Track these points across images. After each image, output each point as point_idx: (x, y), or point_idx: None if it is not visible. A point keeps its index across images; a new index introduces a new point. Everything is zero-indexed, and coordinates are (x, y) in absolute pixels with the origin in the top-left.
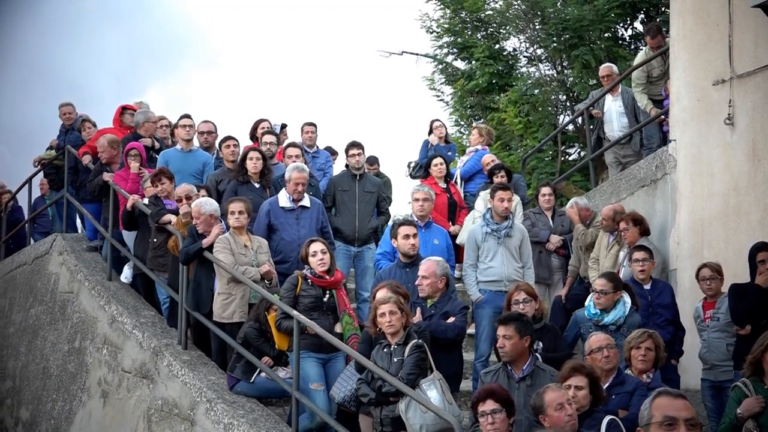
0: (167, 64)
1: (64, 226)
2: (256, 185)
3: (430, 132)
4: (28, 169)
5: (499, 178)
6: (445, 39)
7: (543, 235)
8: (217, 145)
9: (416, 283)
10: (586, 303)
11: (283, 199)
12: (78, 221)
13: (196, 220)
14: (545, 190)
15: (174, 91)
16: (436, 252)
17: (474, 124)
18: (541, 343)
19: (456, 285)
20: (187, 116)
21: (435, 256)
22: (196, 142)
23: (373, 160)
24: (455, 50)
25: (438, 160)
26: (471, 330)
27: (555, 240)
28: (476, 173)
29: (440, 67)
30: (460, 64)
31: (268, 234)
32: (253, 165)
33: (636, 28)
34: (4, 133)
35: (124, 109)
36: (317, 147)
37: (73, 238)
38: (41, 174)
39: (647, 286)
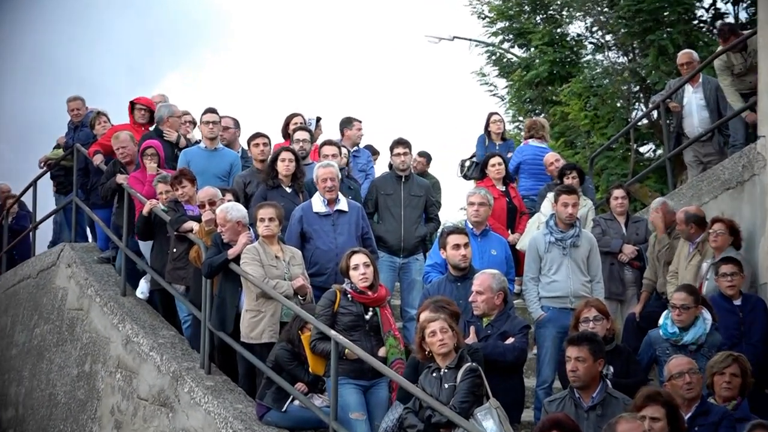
0: (183, 51)
1: (72, 234)
2: (288, 189)
3: (487, 127)
4: (32, 170)
5: (570, 180)
6: (500, 24)
7: (615, 245)
8: (242, 143)
9: (470, 299)
10: (661, 321)
11: (317, 203)
12: (88, 229)
13: (221, 228)
14: (618, 192)
15: (191, 81)
16: (492, 264)
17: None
18: (612, 368)
19: (515, 301)
20: (212, 110)
21: (491, 269)
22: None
23: (424, 155)
24: (511, 37)
25: (496, 160)
26: (532, 353)
27: (628, 250)
28: (517, 171)
29: (493, 58)
30: (517, 52)
31: (301, 243)
32: (285, 167)
33: (719, 9)
34: (5, 130)
35: (133, 105)
36: (358, 145)
37: (82, 249)
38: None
39: (737, 302)
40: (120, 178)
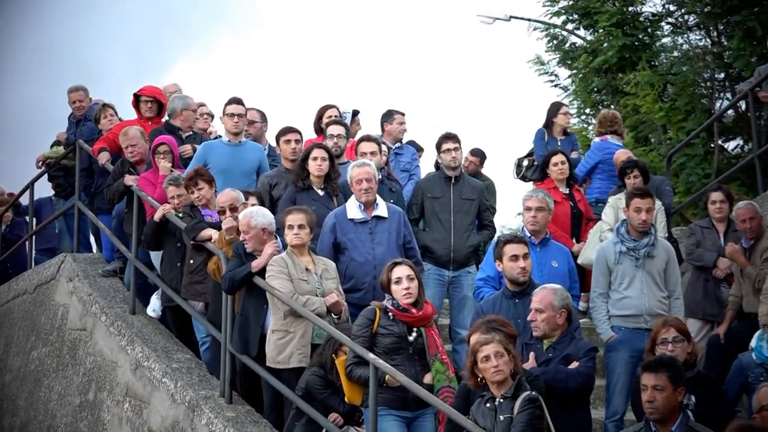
0: (196, 34)
1: (74, 243)
2: (320, 192)
3: (552, 119)
4: (29, 170)
5: (632, 180)
6: (563, 3)
7: (708, 259)
8: (267, 138)
9: (528, 318)
10: (754, 343)
11: (353, 208)
12: (92, 237)
13: (245, 236)
14: (716, 196)
15: (205, 68)
16: (554, 278)
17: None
18: (693, 397)
19: (581, 321)
20: (237, 101)
21: (552, 284)
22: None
23: (477, 153)
24: (575, 17)
25: (558, 158)
26: (600, 380)
27: (724, 265)
28: (593, 172)
29: (554, 42)
30: (583, 35)
31: (334, 254)
32: (318, 167)
33: None
34: None
35: (137, 98)
36: (401, 142)
37: (86, 260)
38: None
39: None
40: (129, 180)
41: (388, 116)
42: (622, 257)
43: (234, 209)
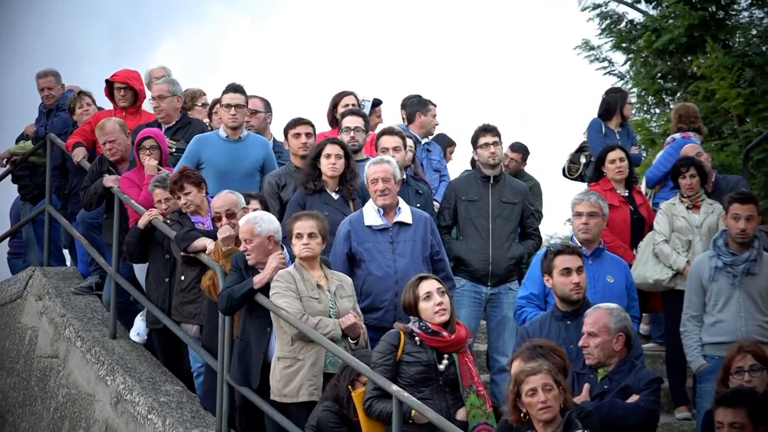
0: (185, 6)
1: (45, 255)
2: (334, 195)
3: (610, 108)
4: None
5: (688, 180)
6: None
7: None
8: (274, 133)
9: (580, 343)
10: None
11: (371, 214)
12: (65, 248)
13: (246, 246)
14: None
15: (195, 46)
16: (609, 295)
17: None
18: None
19: (645, 346)
20: (235, 88)
21: (608, 303)
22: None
23: (518, 148)
24: None
25: (617, 154)
26: (680, 413)
27: None
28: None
29: (607, 21)
30: (644, 9)
31: (350, 267)
32: (331, 165)
33: None
34: None
35: (110, 85)
36: (430, 136)
37: (58, 275)
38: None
39: None
40: (109, 181)
41: (422, 106)
42: (718, 274)
43: (232, 216)
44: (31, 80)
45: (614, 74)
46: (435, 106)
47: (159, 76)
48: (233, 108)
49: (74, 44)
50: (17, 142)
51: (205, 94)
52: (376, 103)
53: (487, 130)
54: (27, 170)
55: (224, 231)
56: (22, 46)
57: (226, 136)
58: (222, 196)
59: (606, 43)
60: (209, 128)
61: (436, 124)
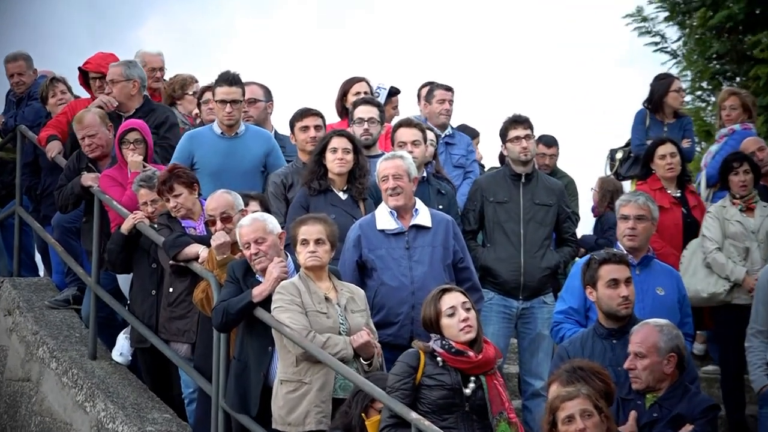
0: None
1: (14, 264)
2: (342, 195)
3: (657, 97)
4: None
5: (741, 176)
6: None
7: None
8: (274, 124)
9: (626, 365)
10: None
11: (383, 216)
12: (38, 255)
13: (259, 248)
14: None
15: (187, 25)
16: (659, 310)
17: (725, 89)
18: None
19: (705, 368)
20: (229, 80)
21: (657, 319)
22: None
23: (549, 141)
24: None
25: (667, 149)
26: None
27: None
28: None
29: None
30: None
31: (360, 277)
32: (338, 161)
33: None
34: None
35: (85, 75)
36: (452, 127)
37: (29, 286)
38: None
39: None
40: (87, 179)
41: (428, 92)
42: None
43: (227, 219)
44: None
45: (666, 51)
46: (449, 90)
47: (157, 66)
48: (228, 104)
49: (45, 22)
50: None
51: (196, 81)
52: (394, 92)
53: (518, 121)
54: None
55: (219, 237)
56: None
57: (222, 133)
58: (216, 197)
59: (658, 12)
60: (186, 118)
61: (448, 113)
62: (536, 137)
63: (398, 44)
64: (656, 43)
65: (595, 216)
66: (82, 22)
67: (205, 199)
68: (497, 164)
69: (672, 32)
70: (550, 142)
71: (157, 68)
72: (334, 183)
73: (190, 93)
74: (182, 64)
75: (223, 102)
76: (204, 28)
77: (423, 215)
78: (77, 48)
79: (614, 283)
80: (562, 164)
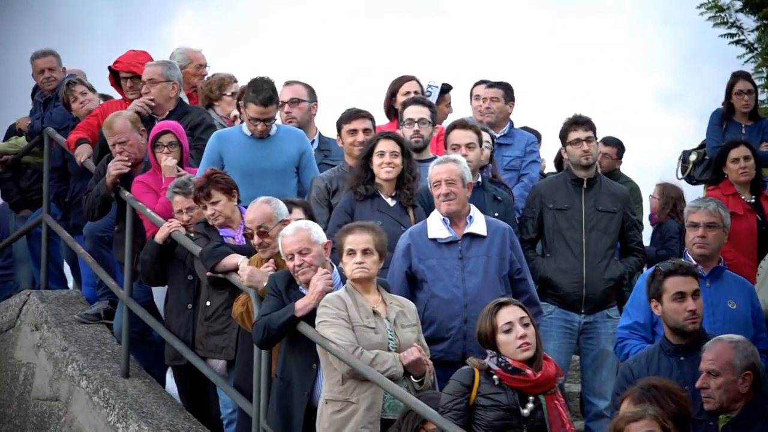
0: None
1: (42, 276)
2: (390, 201)
3: (729, 98)
4: None
5: None
6: None
7: None
8: (318, 126)
9: (698, 384)
10: None
11: (435, 224)
12: (67, 267)
13: (303, 259)
14: None
15: (223, 18)
16: (731, 324)
17: None
18: None
19: None
20: (264, 101)
21: (730, 334)
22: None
23: (612, 143)
24: None
25: (741, 152)
26: None
27: None
28: None
29: None
30: None
31: (410, 290)
32: (386, 165)
33: None
34: None
35: (115, 74)
36: (510, 125)
37: (58, 299)
38: None
39: None
40: (113, 168)
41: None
42: None
43: (264, 234)
44: (20, 62)
45: (743, 44)
46: (490, 87)
47: (203, 62)
48: (261, 123)
49: (71, 18)
50: (6, 138)
51: (236, 81)
52: (446, 88)
53: (579, 123)
54: (10, 171)
55: (268, 250)
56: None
57: (250, 134)
58: (255, 208)
59: (735, 1)
60: (224, 120)
61: (486, 112)
62: (599, 139)
63: (454, 39)
64: (732, 35)
65: (652, 224)
66: (110, 16)
67: (245, 206)
68: (554, 168)
69: (749, 23)
70: (610, 141)
71: (204, 65)
72: (382, 188)
73: (229, 94)
74: (215, 61)
75: (256, 120)
76: (238, 21)
77: (478, 223)
78: (105, 43)
79: (681, 296)
80: (625, 169)
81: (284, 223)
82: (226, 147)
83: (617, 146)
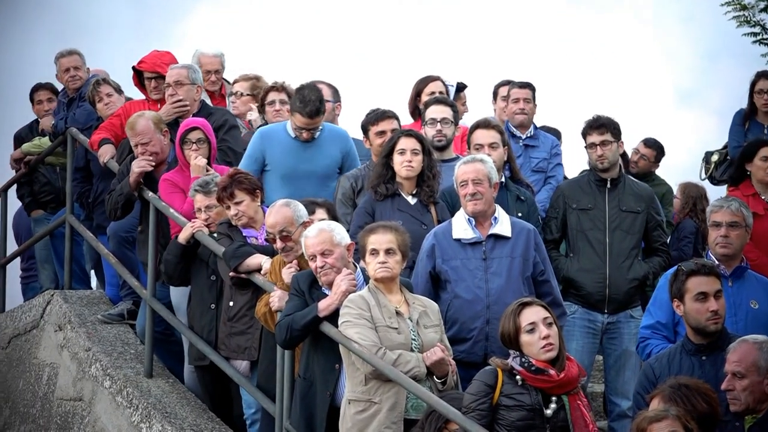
0: None
1: (66, 276)
2: (411, 200)
3: (751, 98)
4: (2, 173)
5: None
6: None
7: None
8: (341, 125)
9: (724, 386)
10: None
11: (460, 224)
12: (89, 268)
13: (325, 260)
14: None
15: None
16: (754, 324)
17: None
18: None
19: None
20: (310, 114)
21: (755, 335)
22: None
23: (652, 145)
24: None
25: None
26: None
27: None
28: None
29: None
30: None
31: (433, 290)
32: (407, 163)
33: None
34: None
35: (139, 74)
36: (534, 126)
37: (81, 300)
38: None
39: None
40: (136, 165)
41: (507, 92)
42: None
43: (286, 238)
44: (41, 61)
45: (766, 43)
46: (523, 87)
47: (212, 68)
48: (306, 132)
49: (92, 17)
50: (34, 139)
51: (258, 77)
52: (461, 87)
53: (595, 125)
54: (28, 173)
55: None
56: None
57: (296, 137)
58: (275, 212)
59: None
60: (248, 121)
61: (521, 112)
62: (619, 141)
63: (472, 37)
64: (755, 34)
65: (674, 224)
66: (128, 15)
67: (269, 207)
68: (577, 167)
69: None
70: (651, 143)
71: (212, 71)
72: (402, 187)
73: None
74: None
75: (302, 129)
76: (258, 19)
77: (503, 224)
78: (121, 39)
79: (703, 296)
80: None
81: (305, 225)
82: (269, 146)
83: (657, 150)
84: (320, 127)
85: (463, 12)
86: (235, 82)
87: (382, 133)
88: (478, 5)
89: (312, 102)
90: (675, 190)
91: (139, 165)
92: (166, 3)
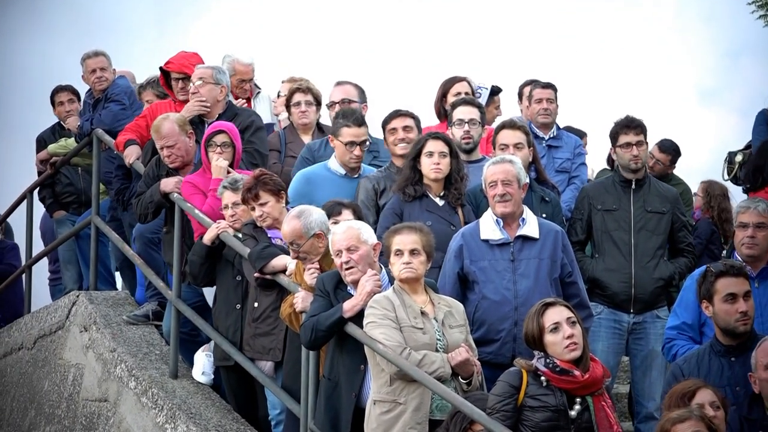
0: None
1: (91, 277)
2: (439, 201)
3: None
4: (26, 174)
5: None
6: None
7: None
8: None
9: (753, 380)
10: None
11: (488, 225)
12: (115, 269)
13: (350, 256)
14: None
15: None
16: None
17: None
18: None
19: None
20: (357, 119)
21: None
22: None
23: (668, 148)
24: None
25: None
26: None
27: None
28: None
29: None
30: None
31: (461, 291)
32: (435, 165)
33: None
34: None
35: (167, 75)
36: (556, 127)
37: (106, 300)
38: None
39: None
40: (169, 184)
41: (529, 92)
42: None
43: (296, 251)
44: (61, 63)
45: None
46: (546, 88)
47: (247, 77)
48: (358, 147)
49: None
50: (59, 140)
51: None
52: (495, 91)
53: (630, 126)
54: (59, 173)
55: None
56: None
57: (345, 174)
58: (286, 222)
59: None
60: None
61: (545, 113)
62: (655, 143)
63: (500, 38)
64: None
65: (696, 222)
66: (149, 14)
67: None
68: (607, 166)
69: None
70: (666, 147)
71: (247, 80)
72: (430, 189)
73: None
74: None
75: (352, 144)
76: (280, 19)
77: (531, 225)
78: (140, 36)
79: (732, 297)
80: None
81: (317, 236)
82: (315, 189)
83: (672, 153)
84: (367, 144)
85: (486, 12)
86: (283, 82)
87: (393, 130)
88: (502, 6)
89: (355, 112)
90: (694, 189)
91: (170, 185)
92: (187, 2)
